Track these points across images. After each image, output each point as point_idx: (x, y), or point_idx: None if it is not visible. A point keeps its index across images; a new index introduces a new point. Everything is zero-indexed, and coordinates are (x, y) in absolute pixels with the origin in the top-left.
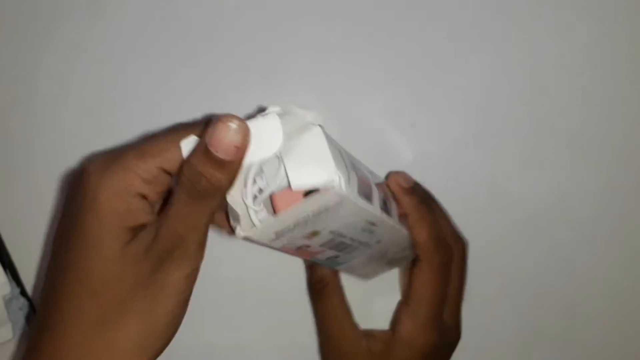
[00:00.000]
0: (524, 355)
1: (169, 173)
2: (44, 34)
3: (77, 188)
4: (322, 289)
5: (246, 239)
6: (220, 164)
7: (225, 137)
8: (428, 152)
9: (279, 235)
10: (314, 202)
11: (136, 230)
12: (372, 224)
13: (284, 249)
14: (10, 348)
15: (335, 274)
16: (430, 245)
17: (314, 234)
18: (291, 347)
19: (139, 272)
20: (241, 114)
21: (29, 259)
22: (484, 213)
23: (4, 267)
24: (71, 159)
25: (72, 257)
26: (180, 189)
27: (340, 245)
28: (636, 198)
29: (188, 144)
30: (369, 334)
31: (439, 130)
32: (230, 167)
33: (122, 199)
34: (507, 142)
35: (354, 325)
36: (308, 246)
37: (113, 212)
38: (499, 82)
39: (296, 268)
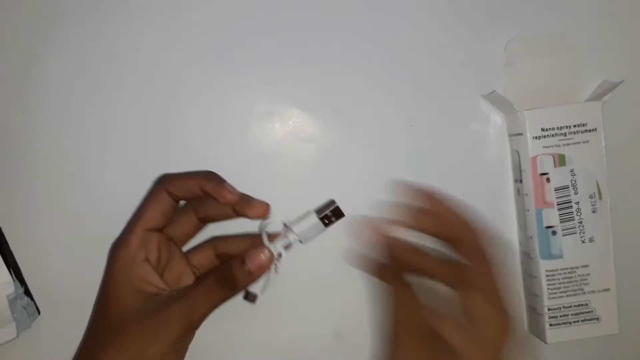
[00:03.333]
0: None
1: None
2: (44, 34)
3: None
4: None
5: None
6: (248, 273)
7: (257, 260)
8: (427, 151)
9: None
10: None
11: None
12: None
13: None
14: (15, 347)
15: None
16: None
17: None
18: (290, 346)
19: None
20: (242, 115)
21: (32, 258)
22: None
23: (8, 267)
24: (73, 158)
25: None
26: (213, 275)
27: None
28: (635, 197)
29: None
30: None
31: (437, 130)
32: (253, 277)
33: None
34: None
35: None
36: None
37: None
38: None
39: (300, 266)
